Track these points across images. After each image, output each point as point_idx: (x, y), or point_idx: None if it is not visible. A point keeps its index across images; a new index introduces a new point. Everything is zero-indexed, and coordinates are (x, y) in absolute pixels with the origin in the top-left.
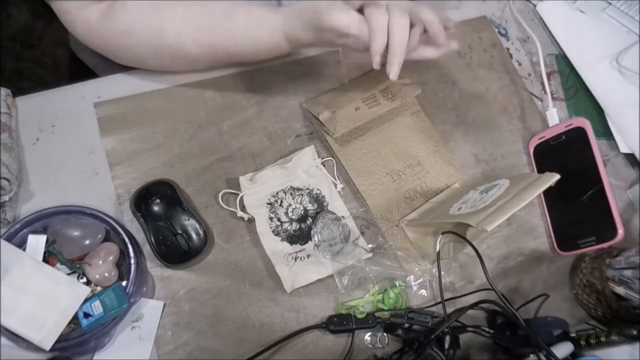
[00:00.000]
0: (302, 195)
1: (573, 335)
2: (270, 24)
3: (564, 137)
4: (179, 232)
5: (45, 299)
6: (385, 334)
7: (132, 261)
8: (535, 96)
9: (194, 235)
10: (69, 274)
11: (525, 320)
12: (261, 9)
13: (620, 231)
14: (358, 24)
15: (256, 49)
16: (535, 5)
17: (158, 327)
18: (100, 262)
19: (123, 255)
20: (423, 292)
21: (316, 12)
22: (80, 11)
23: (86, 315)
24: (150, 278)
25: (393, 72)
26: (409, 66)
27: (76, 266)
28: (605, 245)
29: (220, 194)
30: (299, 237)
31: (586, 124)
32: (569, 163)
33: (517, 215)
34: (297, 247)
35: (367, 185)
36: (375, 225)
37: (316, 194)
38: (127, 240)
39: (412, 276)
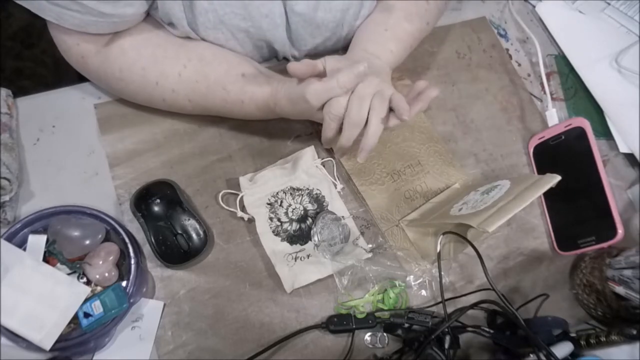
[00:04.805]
0: (302, 195)
1: (573, 335)
2: (260, 101)
3: (563, 137)
4: (179, 232)
5: (45, 299)
6: (385, 334)
7: (132, 261)
8: (535, 96)
9: (194, 235)
10: (69, 274)
11: (525, 320)
12: (253, 82)
13: (620, 231)
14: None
15: (246, 116)
16: (534, 6)
17: (158, 327)
18: (101, 262)
19: (123, 255)
20: (423, 292)
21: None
22: (76, 46)
23: (86, 315)
24: (150, 278)
25: (362, 157)
26: (406, 69)
27: (76, 266)
28: (605, 245)
29: (220, 194)
30: (299, 237)
31: (586, 124)
32: (569, 163)
33: (517, 215)
34: (297, 247)
35: (367, 185)
36: (375, 225)
37: (316, 194)
38: (127, 240)
39: (412, 276)
